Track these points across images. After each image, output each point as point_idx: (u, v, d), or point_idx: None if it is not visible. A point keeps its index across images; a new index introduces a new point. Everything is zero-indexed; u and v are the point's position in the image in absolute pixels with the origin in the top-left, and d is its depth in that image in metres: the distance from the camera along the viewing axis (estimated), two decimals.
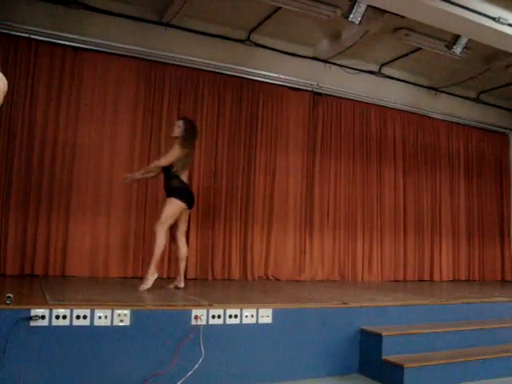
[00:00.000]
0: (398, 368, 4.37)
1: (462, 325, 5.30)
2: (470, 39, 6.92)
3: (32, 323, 3.61)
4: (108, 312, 3.85)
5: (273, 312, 4.43)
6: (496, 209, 10.56)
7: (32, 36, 6.65)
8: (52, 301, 3.97)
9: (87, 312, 3.77)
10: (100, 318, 3.82)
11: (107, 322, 3.84)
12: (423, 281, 9.31)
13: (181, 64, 7.52)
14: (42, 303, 3.83)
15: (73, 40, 6.85)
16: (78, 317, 3.74)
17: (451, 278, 9.70)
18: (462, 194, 10.10)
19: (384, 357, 4.55)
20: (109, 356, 3.82)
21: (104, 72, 7.08)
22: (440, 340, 4.97)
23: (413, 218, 9.41)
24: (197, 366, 4.03)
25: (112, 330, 3.85)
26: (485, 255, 10.27)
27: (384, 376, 4.51)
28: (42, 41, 6.73)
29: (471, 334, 5.19)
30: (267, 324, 4.40)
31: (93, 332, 3.79)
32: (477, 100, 10.24)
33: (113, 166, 7.03)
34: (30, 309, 3.63)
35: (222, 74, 7.81)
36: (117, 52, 7.11)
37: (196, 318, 4.11)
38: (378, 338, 4.63)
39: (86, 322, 3.77)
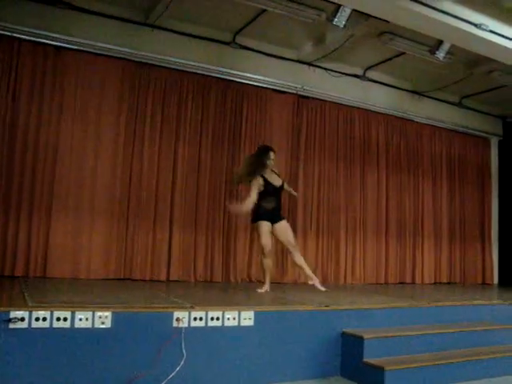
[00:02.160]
0: (379, 370, 4.38)
1: (442, 327, 5.34)
2: (452, 45, 6.99)
3: (11, 325, 3.55)
4: (89, 314, 3.81)
5: (255, 314, 4.42)
6: (478, 212, 10.68)
7: (15, 34, 6.59)
8: (32, 303, 3.92)
9: (68, 314, 3.73)
10: (81, 320, 3.78)
11: (88, 325, 3.80)
12: (405, 283, 9.37)
13: (165, 65, 7.50)
14: (22, 305, 3.78)
15: (56, 39, 6.79)
16: (58, 319, 3.70)
17: (433, 281, 9.78)
18: (444, 198, 10.19)
19: (365, 359, 4.56)
20: (90, 359, 3.78)
21: (88, 72, 7.04)
22: (421, 343, 5.00)
23: (395, 221, 9.47)
24: (178, 369, 4.01)
25: (93, 332, 3.81)
26: (466, 258, 10.37)
27: (365, 378, 4.52)
28: (25, 39, 6.67)
29: (452, 337, 5.23)
30: (249, 326, 4.39)
31: (73, 334, 3.75)
32: (459, 105, 10.35)
33: (96, 168, 7.00)
34: (9, 311, 3.57)
35: (206, 75, 7.80)
36: (101, 52, 7.07)
37: (178, 320, 4.08)
38: (359, 340, 4.65)
39: (67, 325, 3.73)
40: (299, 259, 6.36)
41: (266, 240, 6.11)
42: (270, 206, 6.09)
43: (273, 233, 6.21)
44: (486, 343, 5.41)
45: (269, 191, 6.10)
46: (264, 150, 6.22)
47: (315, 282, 6.47)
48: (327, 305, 4.99)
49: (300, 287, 7.50)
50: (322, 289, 6.36)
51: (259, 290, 6.20)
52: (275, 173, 6.32)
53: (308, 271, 6.45)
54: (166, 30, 7.43)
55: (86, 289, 5.76)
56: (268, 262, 6.25)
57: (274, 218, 6.16)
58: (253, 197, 5.96)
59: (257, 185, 6.01)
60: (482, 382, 4.84)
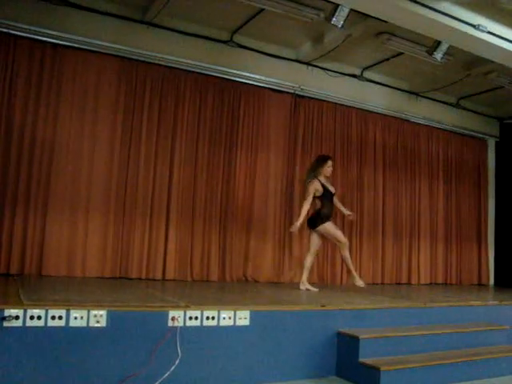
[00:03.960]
0: (375, 371, 4.38)
1: (438, 328, 5.34)
2: (450, 45, 6.99)
3: (5, 324, 3.53)
4: (84, 313, 3.79)
5: (250, 314, 4.41)
6: (474, 213, 10.70)
7: (11, 31, 6.56)
8: (27, 301, 3.90)
9: (63, 312, 3.71)
10: (76, 318, 3.76)
11: (83, 323, 3.78)
12: (401, 284, 9.38)
13: (162, 63, 7.48)
14: (17, 303, 3.76)
15: (53, 36, 6.76)
16: (53, 317, 3.68)
17: (429, 282, 9.79)
18: (440, 198, 10.20)
19: (361, 359, 4.56)
20: (84, 357, 3.77)
21: (84, 70, 7.01)
22: (416, 343, 5.00)
23: (392, 221, 9.48)
24: (173, 368, 4.00)
25: (88, 330, 3.80)
26: (462, 259, 10.39)
27: (360, 379, 4.52)
28: (21, 36, 6.64)
29: (447, 338, 5.24)
30: (244, 326, 4.38)
31: (68, 333, 3.73)
32: (457, 105, 10.37)
33: (92, 165, 6.98)
34: (3, 309, 3.55)
35: (203, 74, 7.79)
36: (98, 50, 7.05)
37: (173, 319, 4.07)
38: (355, 340, 4.64)
39: (62, 323, 3.71)
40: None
41: (341, 235, 6.75)
42: (328, 212, 6.65)
43: (320, 234, 6.72)
44: (481, 344, 5.41)
45: (327, 197, 6.60)
46: (323, 158, 6.75)
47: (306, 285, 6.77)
48: (323, 305, 4.99)
49: (296, 287, 7.49)
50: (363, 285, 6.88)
51: (358, 284, 6.83)
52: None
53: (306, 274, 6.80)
54: (163, 27, 7.41)
55: (82, 287, 5.75)
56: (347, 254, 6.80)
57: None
58: (309, 200, 6.46)
59: (313, 188, 6.48)
60: (478, 382, 4.85)
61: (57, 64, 6.86)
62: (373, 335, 4.78)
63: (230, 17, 7.44)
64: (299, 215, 6.53)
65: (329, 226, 6.64)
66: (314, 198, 6.57)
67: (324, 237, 6.81)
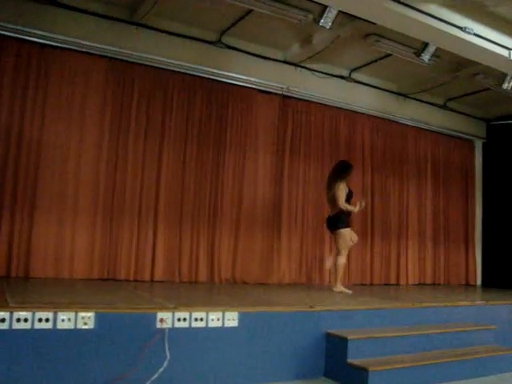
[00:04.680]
0: (363, 371, 4.41)
1: (426, 328, 5.38)
2: (438, 47, 7.03)
3: None
4: (71, 315, 3.77)
5: (239, 315, 4.42)
6: (461, 214, 10.77)
7: None
8: (13, 303, 3.88)
9: (50, 315, 3.69)
10: (63, 320, 3.74)
11: (71, 325, 3.77)
12: (390, 284, 9.41)
13: (151, 64, 7.45)
14: (3, 306, 3.72)
15: (40, 36, 6.70)
16: (40, 320, 3.66)
17: (417, 282, 9.84)
18: (428, 199, 10.26)
19: (349, 360, 4.58)
20: (72, 360, 3.75)
21: (72, 70, 6.96)
22: (405, 343, 5.03)
23: (380, 222, 9.51)
24: (162, 370, 4.00)
25: (75, 333, 3.78)
26: (450, 259, 10.45)
27: (349, 379, 4.54)
28: (8, 36, 6.57)
29: (435, 338, 5.27)
30: (233, 327, 4.39)
31: (55, 335, 3.71)
32: (444, 107, 10.42)
33: (80, 166, 6.93)
34: None
35: (192, 75, 7.76)
36: (85, 50, 7.00)
37: (161, 320, 4.07)
38: (343, 341, 4.66)
39: (49, 325, 3.69)
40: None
41: (350, 248, 7.05)
42: (349, 216, 6.88)
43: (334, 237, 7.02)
44: (469, 344, 5.46)
45: (348, 202, 6.82)
46: (349, 165, 7.05)
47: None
48: (311, 306, 4.99)
49: (284, 288, 7.51)
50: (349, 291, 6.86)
51: (336, 289, 6.83)
52: None
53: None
54: (152, 28, 7.38)
55: (69, 289, 5.72)
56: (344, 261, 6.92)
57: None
58: (343, 200, 6.68)
59: (343, 192, 6.74)
60: (466, 382, 4.89)
61: (44, 64, 6.81)
62: (361, 336, 4.80)
63: (219, 18, 7.43)
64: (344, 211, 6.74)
65: (347, 234, 6.86)
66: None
67: (335, 240, 6.98)
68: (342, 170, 6.94)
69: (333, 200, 6.79)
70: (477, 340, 5.59)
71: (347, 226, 6.87)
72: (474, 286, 10.54)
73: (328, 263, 7.42)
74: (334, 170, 7.08)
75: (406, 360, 4.78)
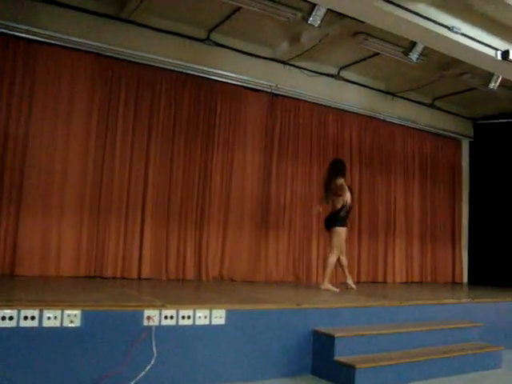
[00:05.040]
0: (350, 369, 4.42)
1: (413, 326, 5.41)
2: (425, 46, 7.05)
3: None
4: (58, 313, 3.75)
5: (226, 313, 4.41)
6: (448, 213, 10.84)
7: None
8: None
9: (35, 313, 3.66)
10: (49, 318, 3.72)
11: (57, 323, 3.74)
12: (377, 282, 9.45)
13: (138, 61, 7.41)
14: None
15: (27, 32, 6.61)
16: (25, 318, 3.63)
17: (404, 280, 9.89)
18: (415, 198, 10.31)
19: (336, 358, 4.60)
20: (58, 358, 3.73)
21: (59, 66, 6.90)
22: (392, 341, 5.05)
23: (367, 220, 9.55)
24: (148, 368, 3.99)
25: (62, 331, 3.76)
26: (437, 258, 10.52)
27: (336, 377, 4.56)
28: None
29: (422, 335, 5.31)
30: (220, 325, 4.38)
31: (41, 333, 3.69)
32: (432, 106, 10.48)
33: (66, 163, 6.87)
34: None
35: (180, 72, 7.73)
36: (73, 46, 6.94)
37: (148, 318, 4.05)
38: (330, 339, 4.67)
39: (35, 323, 3.66)
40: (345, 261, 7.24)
41: (344, 247, 7.09)
42: (345, 215, 6.96)
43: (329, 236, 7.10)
44: (455, 341, 5.50)
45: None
46: (343, 162, 7.25)
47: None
48: (299, 303, 5.00)
49: (272, 286, 7.52)
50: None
51: (323, 287, 6.89)
52: None
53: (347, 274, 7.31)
54: (140, 25, 7.33)
55: (56, 287, 5.68)
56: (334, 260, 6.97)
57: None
58: (348, 195, 6.74)
59: (344, 185, 6.84)
60: (452, 379, 4.92)
61: (30, 60, 6.73)
62: (348, 333, 4.82)
63: (208, 15, 7.41)
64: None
65: (342, 233, 6.94)
66: (338, 196, 6.89)
67: (329, 237, 7.06)
68: (340, 167, 7.06)
69: (333, 197, 6.93)
70: (463, 337, 5.63)
71: (343, 226, 6.95)
72: (461, 283, 10.61)
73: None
74: (331, 168, 7.14)
75: (393, 357, 4.80)
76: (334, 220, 6.94)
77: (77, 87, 7.01)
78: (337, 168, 7.06)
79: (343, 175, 7.00)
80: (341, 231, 6.92)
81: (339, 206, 6.90)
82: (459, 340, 5.56)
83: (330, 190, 7.00)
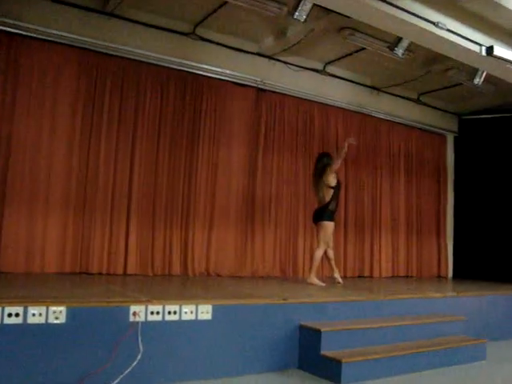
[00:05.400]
0: (336, 363, 4.45)
1: (398, 320, 5.45)
2: (411, 42, 7.08)
3: None
4: (42, 309, 3.73)
5: (212, 308, 4.41)
6: (433, 207, 10.91)
7: None
8: None
9: (20, 309, 3.63)
10: (34, 315, 3.69)
11: (41, 320, 3.72)
12: (363, 277, 9.50)
13: (124, 56, 7.34)
14: None
15: (10, 25, 6.50)
16: (9, 315, 3.60)
17: (390, 275, 9.94)
18: (401, 192, 10.36)
19: (322, 352, 4.62)
20: (43, 355, 3.71)
21: (43, 61, 6.80)
22: (377, 335, 5.09)
23: (353, 215, 9.58)
24: (135, 364, 3.98)
25: (46, 327, 3.74)
26: (423, 252, 10.58)
27: (322, 371, 4.58)
28: None
29: (408, 329, 5.35)
30: (207, 320, 4.38)
31: (26, 330, 3.66)
32: (417, 101, 10.52)
33: (51, 159, 6.80)
34: None
35: (165, 67, 7.68)
36: (57, 40, 6.84)
37: (134, 314, 4.05)
38: (316, 333, 4.69)
39: (19, 320, 3.64)
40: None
41: (331, 242, 7.16)
42: (334, 208, 7.05)
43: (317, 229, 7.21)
44: (440, 334, 5.55)
45: (336, 190, 7.06)
46: (329, 154, 7.33)
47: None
48: (285, 298, 5.01)
49: (258, 281, 7.53)
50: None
51: (309, 281, 6.95)
52: None
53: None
54: (125, 19, 7.27)
55: (40, 283, 5.63)
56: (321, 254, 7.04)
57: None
58: (336, 165, 6.96)
59: (333, 175, 7.00)
60: (437, 371, 4.97)
61: (13, 54, 6.63)
62: (334, 328, 4.84)
63: (193, 9, 7.37)
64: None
65: (329, 227, 6.99)
66: (328, 188, 6.97)
67: (317, 232, 7.16)
68: (325, 161, 7.11)
69: (321, 190, 7.01)
70: (448, 331, 5.68)
71: (331, 220, 7.00)
72: (446, 278, 10.70)
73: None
74: (318, 163, 7.21)
75: (379, 351, 4.84)
76: (321, 214, 6.98)
77: (61, 82, 6.93)
78: (322, 163, 7.13)
79: (329, 169, 7.03)
80: (328, 225, 6.96)
81: (328, 199, 6.95)
82: (444, 333, 5.62)
83: (319, 183, 7.04)
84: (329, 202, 6.95)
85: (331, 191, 6.98)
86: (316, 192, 7.15)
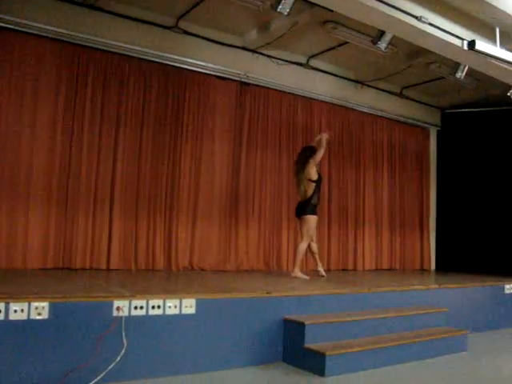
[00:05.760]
0: (320, 355, 4.46)
1: (382, 312, 5.49)
2: (394, 36, 7.10)
3: None
4: (25, 305, 3.69)
5: (196, 302, 4.41)
6: (416, 201, 10.99)
7: None
8: None
9: (1, 306, 3.59)
10: (16, 311, 3.65)
11: (23, 316, 3.68)
12: (347, 270, 9.55)
13: (106, 49, 7.28)
14: None
15: None
16: None
17: (374, 268, 10.02)
18: (385, 186, 10.42)
19: (306, 345, 4.63)
20: (25, 352, 3.67)
21: (23, 53, 6.71)
22: (361, 327, 5.11)
23: (337, 208, 9.62)
24: (119, 359, 3.96)
25: (29, 323, 3.70)
26: (406, 245, 10.68)
27: (306, 364, 4.60)
28: None
29: (390, 321, 5.39)
30: (191, 314, 4.38)
31: (7, 327, 3.62)
32: (400, 95, 10.58)
33: (32, 153, 6.73)
34: None
35: (148, 60, 7.63)
36: (37, 33, 6.76)
37: (118, 309, 4.02)
38: (300, 326, 4.71)
39: (1, 317, 3.59)
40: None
41: (315, 234, 7.21)
42: (316, 202, 7.07)
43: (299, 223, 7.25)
44: (422, 326, 5.60)
45: (319, 184, 7.09)
46: (312, 148, 7.28)
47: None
48: (269, 292, 5.02)
49: (242, 274, 7.53)
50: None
51: (293, 274, 7.00)
52: None
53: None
54: (107, 12, 7.20)
55: (22, 279, 5.57)
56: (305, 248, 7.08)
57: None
58: (318, 156, 7.03)
59: (313, 170, 7.03)
60: (420, 363, 5.02)
61: None
62: (318, 321, 4.86)
63: (176, 2, 7.32)
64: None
65: (312, 220, 7.02)
66: (310, 181, 6.99)
67: (300, 226, 7.18)
68: (308, 154, 7.12)
69: (303, 183, 7.03)
70: (430, 322, 5.74)
71: (314, 214, 7.03)
72: (429, 270, 10.80)
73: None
74: (301, 156, 7.25)
75: (363, 343, 4.87)
76: (305, 208, 7.00)
77: (42, 75, 6.85)
78: (304, 157, 7.15)
79: (310, 162, 7.06)
80: (311, 219, 6.99)
81: (310, 193, 6.97)
82: (427, 325, 5.67)
83: (301, 177, 7.06)
84: (311, 196, 6.97)
85: (313, 185, 7.00)
86: (297, 185, 7.17)
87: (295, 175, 7.24)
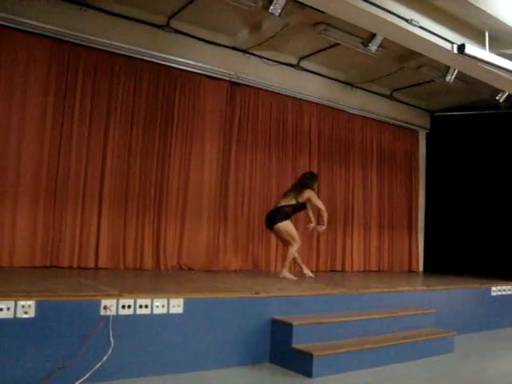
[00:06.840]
0: (307, 356, 4.47)
1: (370, 313, 5.51)
2: (384, 38, 7.13)
3: None
4: (11, 303, 3.67)
5: (184, 302, 4.40)
6: (405, 203, 11.04)
7: None
8: None
9: None
10: (1, 310, 3.63)
11: (9, 315, 3.66)
12: (335, 271, 9.57)
13: (96, 47, 7.23)
14: None
15: None
16: None
17: (362, 269, 10.04)
18: (374, 188, 10.45)
19: (294, 345, 4.65)
20: (11, 351, 3.65)
21: (12, 49, 6.66)
22: (349, 328, 5.14)
23: (326, 209, 9.59)
24: (106, 358, 3.95)
25: (15, 322, 3.68)
26: (394, 247, 10.70)
27: (294, 364, 4.61)
28: None
29: (378, 322, 5.41)
30: (178, 314, 4.37)
31: None
32: (390, 97, 10.61)
33: (20, 149, 6.67)
34: None
35: (139, 59, 7.60)
36: (27, 29, 6.69)
37: (105, 308, 4.01)
38: (288, 327, 4.72)
39: None
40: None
41: (297, 235, 7.19)
42: (292, 211, 7.10)
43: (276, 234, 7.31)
44: (410, 327, 5.64)
45: (301, 207, 7.19)
46: (315, 175, 7.66)
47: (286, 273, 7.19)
48: (257, 292, 5.02)
49: (230, 275, 7.53)
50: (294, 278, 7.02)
51: (281, 275, 7.04)
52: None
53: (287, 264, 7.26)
54: (98, 9, 7.16)
55: (9, 277, 5.53)
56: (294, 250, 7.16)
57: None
58: (321, 204, 7.20)
59: (315, 195, 7.20)
60: (407, 364, 5.05)
61: None
62: (306, 321, 4.87)
63: (167, 1, 7.29)
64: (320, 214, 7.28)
65: (287, 225, 7.01)
66: (296, 199, 7.04)
67: (278, 236, 7.24)
68: (308, 180, 7.27)
69: (289, 195, 7.10)
70: (418, 324, 5.77)
71: (287, 219, 7.05)
72: (417, 272, 10.85)
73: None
74: (302, 179, 7.40)
75: (350, 344, 4.89)
76: (274, 217, 7.05)
77: (32, 72, 6.79)
78: (305, 182, 7.28)
79: (312, 188, 7.20)
80: (286, 224, 7.03)
81: (289, 205, 7.04)
82: (414, 326, 5.70)
83: (292, 192, 7.18)
84: (285, 206, 7.04)
85: (298, 204, 7.10)
86: (284, 192, 7.27)
87: (291, 187, 7.38)
